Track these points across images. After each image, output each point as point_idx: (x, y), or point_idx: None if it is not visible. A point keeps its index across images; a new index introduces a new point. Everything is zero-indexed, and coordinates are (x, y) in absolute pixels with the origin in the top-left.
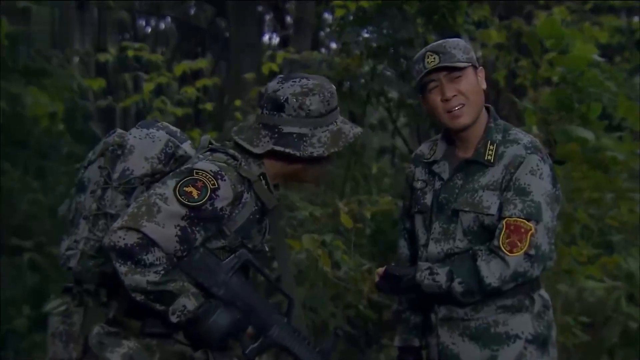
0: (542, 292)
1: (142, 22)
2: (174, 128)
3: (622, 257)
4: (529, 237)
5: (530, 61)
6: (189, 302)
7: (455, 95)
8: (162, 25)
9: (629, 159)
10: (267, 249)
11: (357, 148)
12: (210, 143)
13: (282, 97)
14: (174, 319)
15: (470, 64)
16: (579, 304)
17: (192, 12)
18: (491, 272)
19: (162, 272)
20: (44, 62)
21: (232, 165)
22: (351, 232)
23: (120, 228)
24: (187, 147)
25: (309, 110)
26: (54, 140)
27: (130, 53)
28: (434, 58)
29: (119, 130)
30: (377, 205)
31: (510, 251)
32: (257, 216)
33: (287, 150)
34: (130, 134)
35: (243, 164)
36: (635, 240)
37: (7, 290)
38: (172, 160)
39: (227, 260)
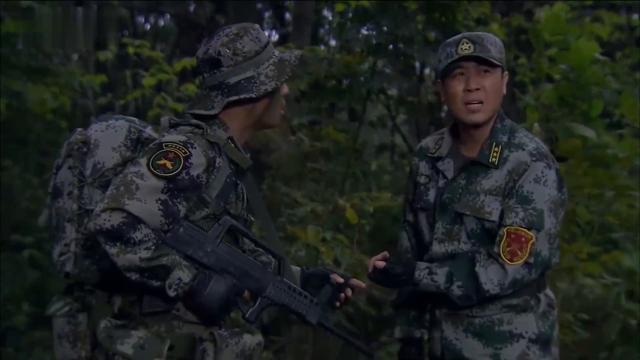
0: (548, 291)
1: (141, 20)
2: (131, 117)
3: (622, 254)
4: (529, 246)
5: (535, 57)
6: (183, 275)
7: (478, 89)
8: (162, 22)
9: (630, 157)
10: (251, 219)
11: (357, 145)
12: (171, 120)
13: (214, 53)
14: (171, 292)
15: (501, 65)
16: (579, 301)
17: (192, 9)
18: (489, 278)
19: (153, 247)
20: (46, 60)
21: (199, 133)
22: (355, 228)
23: (103, 210)
24: (149, 130)
25: (244, 53)
26: (54, 137)
27: (130, 50)
28: (469, 46)
29: (79, 129)
30: (377, 201)
31: (511, 260)
32: (233, 179)
33: (242, 96)
34: (91, 129)
35: (209, 130)
36: (635, 236)
37: (7, 286)
38: (139, 145)
39: (211, 229)
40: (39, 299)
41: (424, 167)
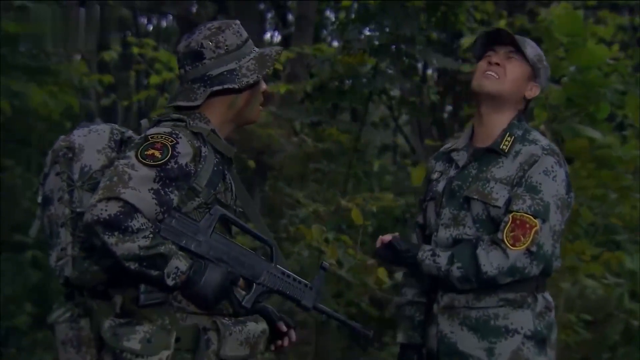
0: (547, 294)
1: (144, 20)
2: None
3: (624, 255)
4: (532, 233)
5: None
6: (180, 264)
7: (499, 65)
8: (164, 23)
9: (634, 158)
10: (240, 210)
11: (359, 146)
12: (151, 119)
13: (196, 46)
14: (169, 282)
15: (531, 65)
16: (581, 302)
17: (194, 9)
18: (489, 261)
19: (151, 236)
20: (47, 61)
21: (181, 126)
22: (357, 229)
23: (99, 200)
24: (131, 132)
25: (227, 45)
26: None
27: (135, 50)
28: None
29: (62, 136)
30: (380, 202)
31: (513, 245)
32: (220, 168)
33: (225, 86)
34: (74, 135)
35: (191, 122)
36: (636, 237)
37: (9, 287)
38: (123, 146)
39: (203, 220)
40: (41, 300)
41: (439, 165)
